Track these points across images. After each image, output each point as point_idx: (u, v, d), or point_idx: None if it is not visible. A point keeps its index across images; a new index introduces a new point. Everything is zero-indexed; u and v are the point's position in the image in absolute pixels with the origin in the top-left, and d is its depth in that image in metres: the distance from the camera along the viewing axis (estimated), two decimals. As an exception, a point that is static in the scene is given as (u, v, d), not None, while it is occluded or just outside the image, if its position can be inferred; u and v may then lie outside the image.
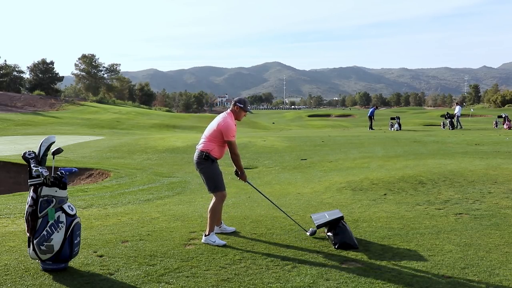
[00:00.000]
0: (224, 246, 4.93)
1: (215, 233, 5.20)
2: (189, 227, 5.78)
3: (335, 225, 5.07)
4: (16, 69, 71.00)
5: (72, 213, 4.17)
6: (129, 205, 7.91)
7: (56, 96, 65.00)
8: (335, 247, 4.88)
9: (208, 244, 5.00)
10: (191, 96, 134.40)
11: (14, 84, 68.44)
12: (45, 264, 4.08)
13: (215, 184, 5.20)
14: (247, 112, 5.44)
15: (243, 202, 7.90)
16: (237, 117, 5.33)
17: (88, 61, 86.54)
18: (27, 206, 4.11)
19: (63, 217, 4.09)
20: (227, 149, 5.31)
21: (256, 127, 43.63)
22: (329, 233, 5.15)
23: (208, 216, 5.19)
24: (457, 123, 30.31)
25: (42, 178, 4.07)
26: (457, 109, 30.92)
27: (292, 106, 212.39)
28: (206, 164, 5.18)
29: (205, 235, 5.11)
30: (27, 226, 4.12)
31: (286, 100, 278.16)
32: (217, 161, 5.28)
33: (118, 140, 22.59)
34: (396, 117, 31.08)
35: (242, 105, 5.30)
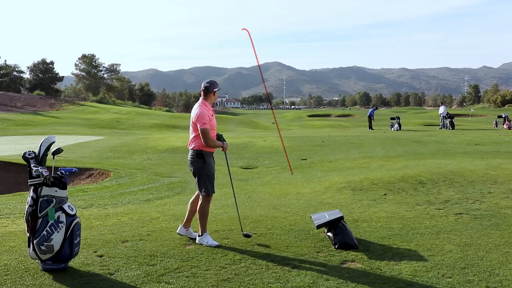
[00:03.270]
0: (217, 246, 4.90)
1: (207, 234, 5.14)
2: (189, 227, 5.78)
3: (335, 225, 5.07)
4: (16, 69, 71.05)
5: (72, 213, 4.17)
6: (129, 205, 7.90)
7: (56, 96, 65.04)
8: (335, 247, 4.88)
9: (201, 244, 4.98)
10: (191, 96, 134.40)
11: (14, 84, 68.47)
12: (45, 264, 4.08)
13: (206, 185, 5.10)
14: (216, 92, 5.21)
15: (243, 202, 7.90)
16: (209, 102, 5.18)
17: (88, 61, 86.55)
18: (27, 206, 4.12)
19: (63, 217, 4.09)
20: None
21: (256, 127, 43.64)
22: (329, 233, 5.15)
23: (198, 217, 5.13)
24: (442, 123, 30.90)
25: (42, 178, 4.07)
26: (441, 109, 31.35)
27: (292, 106, 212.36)
28: (200, 162, 5.07)
29: (199, 236, 5.11)
30: (27, 226, 4.12)
31: (286, 100, 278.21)
32: (212, 159, 5.18)
33: (118, 140, 22.59)
34: (396, 117, 31.13)
35: (214, 90, 5.17)
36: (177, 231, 5.43)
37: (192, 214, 5.38)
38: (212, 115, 5.16)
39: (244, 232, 5.32)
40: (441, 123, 31.07)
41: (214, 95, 5.23)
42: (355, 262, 4.42)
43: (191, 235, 5.33)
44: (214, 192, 5.20)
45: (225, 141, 5.28)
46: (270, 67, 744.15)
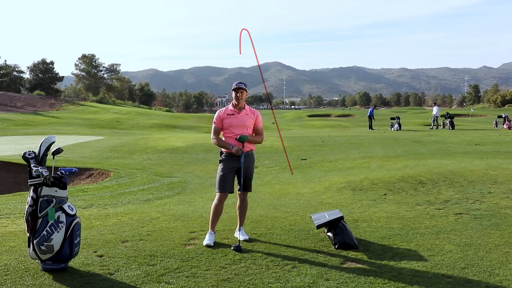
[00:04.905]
0: (207, 246, 4.90)
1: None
2: (189, 227, 5.78)
3: (335, 225, 5.07)
4: (16, 69, 71.15)
5: (72, 213, 4.17)
6: (129, 205, 7.90)
7: (56, 96, 65.10)
8: (335, 247, 4.88)
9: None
10: (191, 96, 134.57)
11: (14, 84, 68.55)
12: (45, 264, 4.08)
13: (216, 182, 5.19)
14: (239, 89, 5.13)
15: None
16: (236, 102, 5.17)
17: (88, 61, 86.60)
18: (27, 206, 4.11)
19: (63, 217, 4.09)
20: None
21: (256, 127, 43.57)
22: (329, 233, 5.15)
23: None
24: (436, 124, 31.31)
25: (42, 178, 4.07)
26: (435, 110, 31.79)
27: (292, 106, 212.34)
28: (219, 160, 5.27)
29: None
30: (27, 226, 4.12)
31: (286, 100, 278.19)
32: (230, 160, 5.12)
33: (118, 140, 22.60)
34: (396, 117, 31.17)
35: (232, 89, 5.22)
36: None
37: (239, 213, 5.33)
38: (230, 114, 5.16)
39: (233, 246, 4.86)
40: (432, 123, 31.71)
41: (234, 94, 5.18)
42: (355, 262, 4.42)
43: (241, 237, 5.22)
44: (220, 192, 5.13)
45: (242, 143, 5.05)
46: (270, 67, 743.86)
